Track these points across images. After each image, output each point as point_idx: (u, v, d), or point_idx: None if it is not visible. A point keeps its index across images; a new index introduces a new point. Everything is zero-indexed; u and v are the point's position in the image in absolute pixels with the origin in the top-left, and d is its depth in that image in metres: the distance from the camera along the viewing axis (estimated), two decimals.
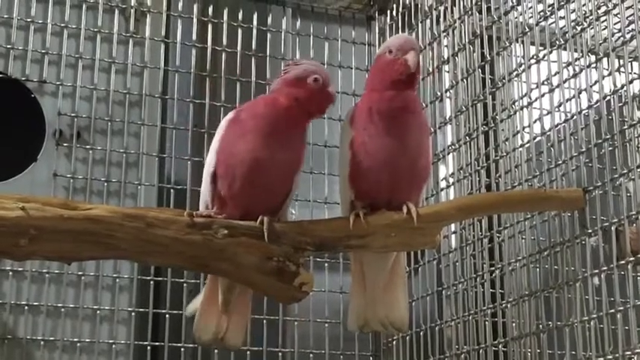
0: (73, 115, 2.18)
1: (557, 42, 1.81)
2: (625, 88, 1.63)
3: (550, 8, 1.83)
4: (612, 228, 1.61)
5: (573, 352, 1.67)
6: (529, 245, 1.85)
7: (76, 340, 2.07)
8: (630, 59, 1.67)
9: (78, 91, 2.20)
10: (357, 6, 2.52)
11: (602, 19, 1.70)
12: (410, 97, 1.64)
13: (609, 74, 1.68)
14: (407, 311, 1.75)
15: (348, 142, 1.66)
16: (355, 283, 1.76)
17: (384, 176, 1.62)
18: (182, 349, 2.12)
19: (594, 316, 1.62)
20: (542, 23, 1.85)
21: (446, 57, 2.18)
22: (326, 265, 2.28)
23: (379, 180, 1.62)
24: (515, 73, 1.94)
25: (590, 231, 1.66)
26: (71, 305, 2.08)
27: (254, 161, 1.58)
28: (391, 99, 1.62)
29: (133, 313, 2.13)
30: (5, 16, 2.19)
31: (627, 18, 1.66)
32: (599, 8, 1.70)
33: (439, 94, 2.19)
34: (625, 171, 1.60)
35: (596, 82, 1.71)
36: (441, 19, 2.19)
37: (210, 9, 2.35)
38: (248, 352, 2.14)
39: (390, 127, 1.61)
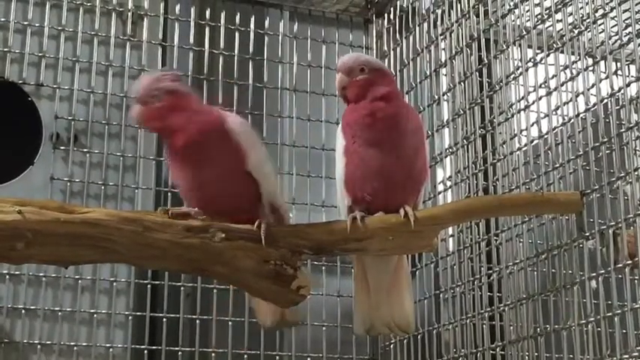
0: (70, 118, 2.18)
1: (555, 45, 1.81)
2: (622, 90, 1.63)
3: (547, 11, 1.83)
4: (610, 231, 1.61)
5: (571, 356, 1.67)
6: (526, 248, 1.85)
7: (73, 343, 2.06)
8: (627, 62, 1.67)
9: (75, 95, 2.20)
10: (355, 9, 2.52)
11: (600, 22, 1.70)
12: (376, 106, 1.64)
13: (606, 77, 1.68)
14: (413, 313, 1.75)
15: (342, 150, 1.66)
16: (358, 286, 1.76)
17: (377, 183, 1.62)
18: (179, 353, 2.12)
19: (592, 319, 1.62)
20: (540, 26, 1.85)
21: (443, 60, 2.18)
22: (323, 268, 2.28)
23: (374, 187, 1.63)
24: (512, 76, 1.94)
25: (587, 234, 1.66)
26: (68, 309, 2.08)
27: (189, 182, 1.61)
28: (355, 110, 1.66)
29: (130, 317, 2.13)
30: (2, 19, 2.19)
31: (624, 21, 1.66)
32: (596, 11, 1.70)
33: (436, 97, 2.19)
34: (622, 174, 1.60)
35: (593, 85, 1.71)
36: (439, 22, 2.19)
37: (208, 12, 2.35)
38: (245, 356, 2.14)
39: (377, 134, 1.62)
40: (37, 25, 2.21)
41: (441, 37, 2.18)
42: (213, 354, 2.12)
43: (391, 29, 2.44)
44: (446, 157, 2.14)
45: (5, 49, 2.17)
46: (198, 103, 1.65)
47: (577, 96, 1.75)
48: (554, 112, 1.80)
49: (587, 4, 1.73)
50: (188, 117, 1.59)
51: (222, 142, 1.59)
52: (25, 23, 2.20)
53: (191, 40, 2.33)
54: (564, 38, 1.78)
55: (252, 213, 1.61)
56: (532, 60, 1.85)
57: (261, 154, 1.67)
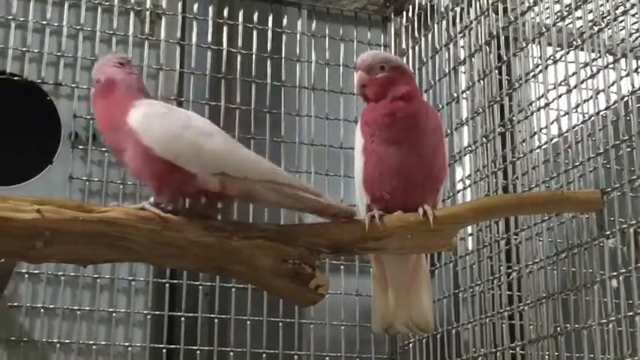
0: (88, 117, 2.18)
1: (575, 42, 1.80)
2: None
3: (567, 8, 1.82)
4: (630, 230, 1.60)
5: (591, 356, 1.66)
6: (546, 247, 1.84)
7: (91, 342, 2.07)
8: None
9: None
10: (373, 7, 2.51)
11: (620, 19, 1.69)
12: (396, 106, 1.63)
13: (627, 75, 1.67)
14: (431, 312, 1.74)
15: (360, 149, 1.66)
16: (377, 285, 1.75)
17: (396, 182, 1.62)
18: (198, 352, 2.12)
19: (612, 318, 1.61)
20: (560, 24, 1.84)
21: (462, 58, 2.17)
22: (342, 267, 2.27)
23: (392, 185, 1.62)
24: (532, 74, 1.94)
25: (608, 233, 1.65)
26: (87, 308, 2.09)
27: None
28: (374, 109, 1.65)
29: (148, 316, 2.13)
30: (21, 18, 2.19)
31: None
32: (616, 8, 1.69)
33: (455, 95, 2.19)
34: None
35: (613, 83, 1.70)
36: (457, 20, 2.18)
37: (226, 11, 2.35)
38: (264, 355, 2.14)
39: (396, 134, 1.62)
40: (55, 24, 2.21)
41: (460, 34, 2.17)
42: (231, 353, 2.12)
43: (410, 27, 2.43)
44: (465, 155, 2.13)
45: (24, 49, 2.18)
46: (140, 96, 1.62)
47: (597, 94, 1.74)
48: (574, 110, 1.79)
49: (607, 1, 1.72)
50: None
51: (128, 142, 1.56)
52: (44, 23, 2.20)
53: (209, 39, 2.33)
54: (584, 35, 1.77)
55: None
56: (552, 57, 1.85)
57: (167, 135, 1.55)
